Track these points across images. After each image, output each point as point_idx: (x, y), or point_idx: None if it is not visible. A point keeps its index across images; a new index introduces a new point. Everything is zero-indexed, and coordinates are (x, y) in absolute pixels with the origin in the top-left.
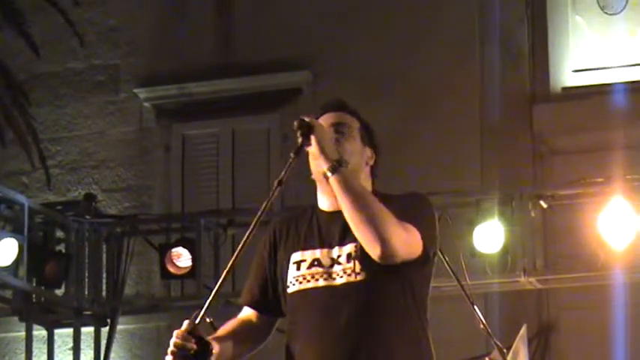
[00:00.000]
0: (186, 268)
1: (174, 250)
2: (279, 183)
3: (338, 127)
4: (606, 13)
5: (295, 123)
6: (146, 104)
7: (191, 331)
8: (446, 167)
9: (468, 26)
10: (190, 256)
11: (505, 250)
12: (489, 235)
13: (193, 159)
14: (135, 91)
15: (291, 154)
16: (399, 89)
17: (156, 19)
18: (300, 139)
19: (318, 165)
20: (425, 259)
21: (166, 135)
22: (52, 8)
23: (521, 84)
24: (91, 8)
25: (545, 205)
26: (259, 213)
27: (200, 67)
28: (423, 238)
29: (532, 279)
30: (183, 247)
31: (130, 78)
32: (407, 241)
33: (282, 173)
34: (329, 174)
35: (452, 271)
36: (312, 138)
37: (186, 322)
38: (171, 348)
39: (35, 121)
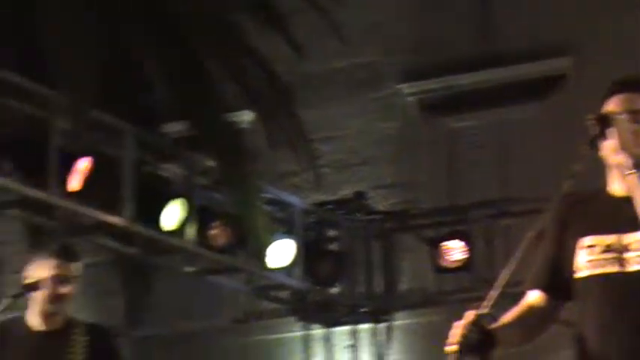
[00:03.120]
0: (459, 261)
1: (445, 243)
2: (573, 175)
3: (636, 116)
4: None
5: (592, 115)
6: (410, 99)
7: (474, 322)
8: None
9: None
10: (463, 249)
11: None
12: None
13: (459, 152)
14: (398, 86)
15: (585, 146)
16: None
17: (415, 12)
18: (595, 132)
19: (613, 156)
20: None
21: (431, 129)
22: (313, 9)
23: None
24: (350, 6)
25: None
26: (551, 205)
27: (462, 59)
28: None
29: None
30: (456, 239)
31: (392, 74)
32: None
33: (575, 165)
34: (627, 171)
35: None
36: (612, 132)
37: (469, 313)
38: (454, 339)
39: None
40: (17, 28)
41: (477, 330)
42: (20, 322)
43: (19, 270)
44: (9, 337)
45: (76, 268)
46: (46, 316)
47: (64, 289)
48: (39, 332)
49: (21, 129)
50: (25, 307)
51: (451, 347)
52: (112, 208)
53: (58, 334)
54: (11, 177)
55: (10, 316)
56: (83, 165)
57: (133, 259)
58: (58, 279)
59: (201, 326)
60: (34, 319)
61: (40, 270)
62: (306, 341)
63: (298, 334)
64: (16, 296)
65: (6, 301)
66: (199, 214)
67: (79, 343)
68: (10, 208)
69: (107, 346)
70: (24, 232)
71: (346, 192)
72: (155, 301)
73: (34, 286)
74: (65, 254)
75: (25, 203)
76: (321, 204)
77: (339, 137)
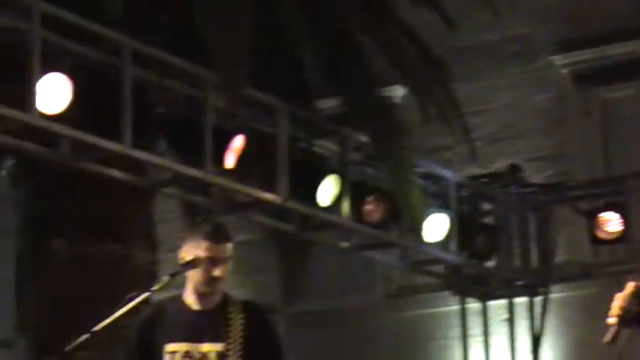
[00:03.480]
0: (616, 232)
1: (602, 215)
2: None
3: None
4: None
5: None
6: (563, 70)
7: (634, 294)
8: None
9: None
10: (619, 221)
11: None
12: None
13: (614, 122)
14: (551, 58)
15: None
16: None
17: None
18: None
19: None
20: None
21: (585, 100)
22: None
23: None
24: None
25: None
26: None
27: (615, 28)
28: None
29: None
30: (612, 211)
31: (544, 45)
32: None
33: None
34: None
35: None
36: None
37: (630, 285)
38: (614, 310)
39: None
40: (172, 7)
41: (638, 302)
42: (177, 300)
43: (175, 248)
44: (165, 316)
45: (228, 248)
46: (201, 296)
47: (218, 272)
48: (196, 311)
49: (176, 108)
50: (182, 285)
51: (612, 319)
52: (267, 185)
53: (214, 313)
54: (167, 156)
55: (167, 294)
56: (238, 143)
57: (288, 235)
58: (212, 261)
59: (356, 302)
60: (190, 297)
61: (195, 250)
62: (462, 315)
63: (454, 308)
64: (173, 275)
65: (164, 280)
66: (353, 190)
67: (236, 320)
68: (167, 186)
69: (263, 323)
70: (180, 210)
71: (500, 165)
72: (309, 278)
73: (190, 265)
74: (217, 236)
75: (180, 181)
76: (475, 177)
77: (490, 110)
